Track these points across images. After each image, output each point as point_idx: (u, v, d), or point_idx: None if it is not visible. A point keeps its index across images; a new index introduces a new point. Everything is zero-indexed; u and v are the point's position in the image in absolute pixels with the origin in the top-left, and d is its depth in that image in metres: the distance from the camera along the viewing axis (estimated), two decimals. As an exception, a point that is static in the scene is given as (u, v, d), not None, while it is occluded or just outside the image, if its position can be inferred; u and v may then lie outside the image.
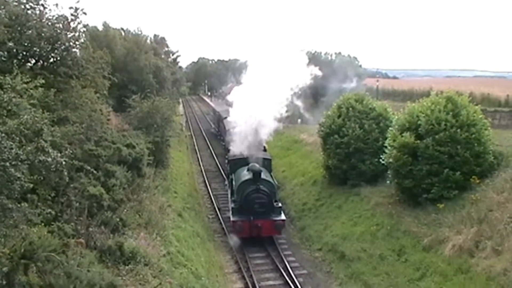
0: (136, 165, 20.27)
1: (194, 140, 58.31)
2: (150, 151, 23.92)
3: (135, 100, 29.76)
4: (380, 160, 24.61)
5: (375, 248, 21.59)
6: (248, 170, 27.30)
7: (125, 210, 16.24)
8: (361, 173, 27.81)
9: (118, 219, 14.84)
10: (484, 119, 22.13)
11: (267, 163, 30.08)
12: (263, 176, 26.40)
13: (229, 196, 29.80)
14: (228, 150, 35.09)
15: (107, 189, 15.30)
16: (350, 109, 28.53)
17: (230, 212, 26.77)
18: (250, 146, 31.81)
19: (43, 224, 10.44)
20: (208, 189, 36.79)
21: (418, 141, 21.83)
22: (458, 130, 20.96)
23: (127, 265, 13.08)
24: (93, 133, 17.08)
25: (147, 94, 31.69)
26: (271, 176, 29.21)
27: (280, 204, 26.83)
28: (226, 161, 35.50)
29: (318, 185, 32.24)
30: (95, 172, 14.33)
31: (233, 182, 28.62)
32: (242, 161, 29.80)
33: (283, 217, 26.11)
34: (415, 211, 21.88)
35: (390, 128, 24.41)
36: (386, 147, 23.82)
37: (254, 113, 30.17)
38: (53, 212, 10.93)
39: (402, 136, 22.36)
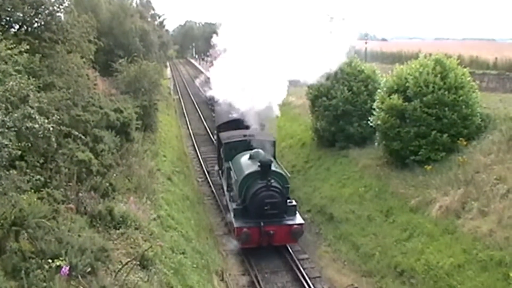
0: (124, 130, 20.14)
1: (182, 104, 58.14)
2: (138, 116, 23.72)
3: (122, 64, 29.48)
4: (368, 122, 24.71)
5: (363, 210, 21.91)
6: (251, 158, 22.20)
7: (115, 175, 16.21)
8: (349, 136, 27.92)
9: (107, 184, 14.83)
10: (472, 82, 22.21)
11: (271, 146, 24.36)
12: (272, 167, 20.85)
13: (225, 188, 24.99)
14: (219, 128, 29.31)
15: (95, 154, 15.23)
16: (339, 71, 28.41)
17: (231, 214, 21.15)
18: (253, 123, 26.08)
19: (32, 191, 10.41)
20: (197, 153, 36.89)
21: (406, 103, 21.91)
22: (446, 92, 21.04)
23: (118, 229, 13.13)
24: (80, 98, 16.91)
25: (134, 58, 31.30)
26: (278, 163, 24.07)
27: (294, 202, 21.37)
28: (215, 135, 31.18)
29: (306, 147, 32.38)
30: (83, 137, 14.14)
31: (231, 173, 22.98)
32: (242, 145, 24.52)
33: (300, 219, 20.79)
34: (403, 173, 22.11)
35: (379, 91, 24.45)
36: (374, 109, 23.90)
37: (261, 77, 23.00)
38: (42, 179, 10.87)
39: (390, 98, 22.42)
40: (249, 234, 19.69)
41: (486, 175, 18.07)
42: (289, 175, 22.35)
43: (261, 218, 19.91)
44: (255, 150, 22.52)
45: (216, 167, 30.55)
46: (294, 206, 21.09)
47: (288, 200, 20.88)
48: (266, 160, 20.63)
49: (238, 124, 27.39)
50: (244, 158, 22.80)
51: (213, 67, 42.40)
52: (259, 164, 20.57)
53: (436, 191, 19.34)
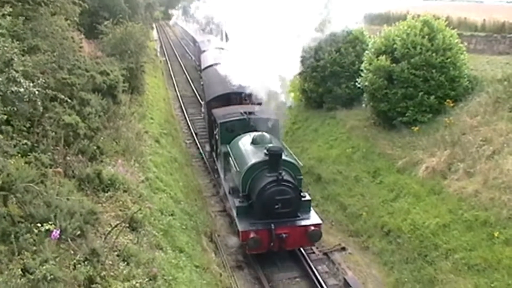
0: (111, 93, 19.92)
1: (169, 66, 57.61)
2: (125, 78, 23.38)
3: (107, 26, 29.02)
4: (356, 83, 24.71)
5: (351, 170, 22.09)
6: (254, 143, 18.92)
7: (102, 138, 16.12)
8: (337, 97, 27.89)
9: (95, 147, 14.75)
10: (460, 44, 22.14)
11: (275, 126, 20.69)
12: (282, 155, 17.25)
13: (222, 176, 21.41)
14: (210, 103, 25.05)
15: (82, 118, 15.09)
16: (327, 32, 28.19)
17: (234, 212, 17.83)
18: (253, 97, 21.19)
19: (19, 155, 10.35)
20: (184, 115, 36.84)
21: (394, 65, 21.87)
22: (434, 54, 21.00)
23: (107, 192, 13.15)
24: (66, 61, 16.65)
25: (120, 20, 30.79)
26: (286, 148, 19.90)
27: (308, 196, 18.07)
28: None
29: (294, 108, 32.31)
30: (69, 101, 14.04)
31: (230, 160, 19.46)
32: (240, 125, 21.05)
33: (317, 218, 17.55)
34: (390, 134, 22.25)
35: (366, 52, 24.37)
36: (362, 70, 23.88)
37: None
38: (29, 143, 10.84)
39: (378, 60, 22.37)
40: (258, 239, 16.40)
41: (472, 136, 18.22)
42: (301, 164, 18.83)
43: (271, 218, 16.68)
44: (259, 133, 19.35)
45: (208, 147, 27.21)
46: (309, 201, 17.95)
47: (301, 194, 17.53)
48: (275, 148, 17.16)
49: (233, 98, 24.48)
50: (245, 143, 19.40)
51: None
52: (266, 152, 17.24)
53: (423, 152, 19.52)
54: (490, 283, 13.33)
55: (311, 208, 18.00)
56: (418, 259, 15.83)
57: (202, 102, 31.51)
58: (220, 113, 22.47)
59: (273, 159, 16.86)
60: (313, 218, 17.48)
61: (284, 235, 16.51)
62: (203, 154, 28.74)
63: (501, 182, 15.60)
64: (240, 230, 16.71)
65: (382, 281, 16.21)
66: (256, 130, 19.94)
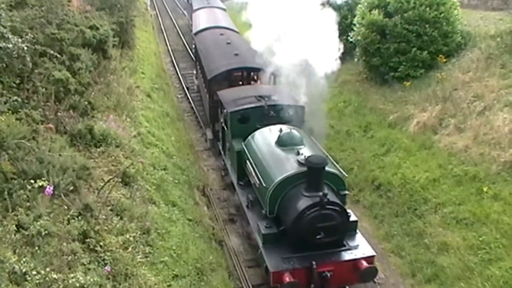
0: (101, 47, 19.63)
1: (160, 20, 56.73)
2: (115, 32, 23.02)
3: (96, -22, 28.44)
4: (348, 37, 24.54)
5: (342, 125, 22.19)
6: (280, 144, 14.19)
7: (93, 93, 15.97)
8: (329, 51, 27.69)
9: (86, 103, 14.65)
10: (454, -1, 21.97)
11: (301, 115, 16.48)
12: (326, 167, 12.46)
13: (234, 180, 16.70)
14: (212, 82, 21.16)
15: (73, 73, 14.89)
16: (318, -15, 27.80)
17: (259, 240, 13.16)
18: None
19: (10, 112, 10.29)
20: (176, 69, 36.56)
21: (387, 19, 21.73)
22: (427, 8, 20.84)
23: (99, 148, 13.16)
24: (54, 16, 16.30)
25: (108, -29, 30.12)
26: (320, 148, 15.10)
27: (353, 215, 13.45)
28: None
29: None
30: (59, 56, 13.88)
31: (248, 166, 14.87)
32: (256, 114, 16.62)
33: (368, 248, 12.88)
34: (382, 88, 22.28)
35: (359, 6, 24.11)
36: (354, 24, 23.69)
37: None
38: (19, 99, 10.76)
39: (371, 14, 22.20)
40: (296, 284, 11.64)
41: (463, 92, 18.27)
42: (346, 175, 13.96)
43: (310, 249, 12.36)
44: (286, 129, 14.81)
45: (210, 134, 22.69)
46: (355, 222, 13.47)
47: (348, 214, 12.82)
48: (317, 160, 12.34)
49: (243, 75, 21.52)
50: (268, 142, 14.77)
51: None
52: (300, 161, 12.89)
53: (414, 107, 19.59)
54: (478, 237, 13.59)
55: (357, 231, 13.62)
56: (407, 212, 16.09)
57: (194, 72, 30.63)
58: (228, 97, 17.95)
59: (315, 174, 12.33)
60: (363, 247, 12.96)
61: (328, 274, 12.12)
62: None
63: (491, 138, 15.74)
64: (271, 271, 12.04)
65: (372, 234, 16.48)
66: (279, 122, 15.74)
